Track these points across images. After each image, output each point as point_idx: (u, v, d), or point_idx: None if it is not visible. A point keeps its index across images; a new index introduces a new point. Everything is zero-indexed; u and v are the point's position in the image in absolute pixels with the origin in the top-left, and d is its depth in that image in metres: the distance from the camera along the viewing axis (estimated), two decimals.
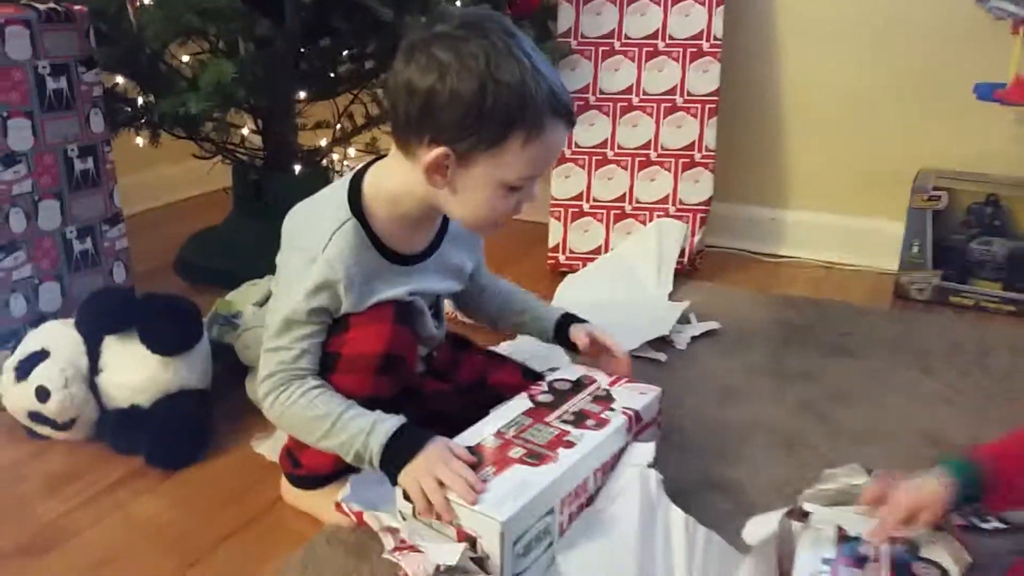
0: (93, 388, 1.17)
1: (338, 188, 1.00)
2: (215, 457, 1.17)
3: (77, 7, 1.36)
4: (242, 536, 1.01)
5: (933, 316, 1.64)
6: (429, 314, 1.09)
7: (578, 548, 0.90)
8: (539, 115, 0.89)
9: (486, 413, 1.03)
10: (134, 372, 1.16)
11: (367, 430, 0.92)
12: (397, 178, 0.97)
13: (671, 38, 1.76)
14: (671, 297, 1.68)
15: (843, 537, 0.84)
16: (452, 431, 0.97)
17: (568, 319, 1.19)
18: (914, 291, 1.71)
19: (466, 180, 0.92)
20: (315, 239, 0.95)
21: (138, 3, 1.42)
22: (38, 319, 1.31)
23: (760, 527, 0.87)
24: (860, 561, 0.80)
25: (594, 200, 1.83)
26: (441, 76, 0.86)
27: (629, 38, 1.78)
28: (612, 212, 1.83)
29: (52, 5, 1.32)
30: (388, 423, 0.93)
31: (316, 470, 1.01)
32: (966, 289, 1.68)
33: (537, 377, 1.16)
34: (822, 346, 1.49)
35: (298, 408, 0.94)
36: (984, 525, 0.96)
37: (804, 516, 0.87)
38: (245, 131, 1.74)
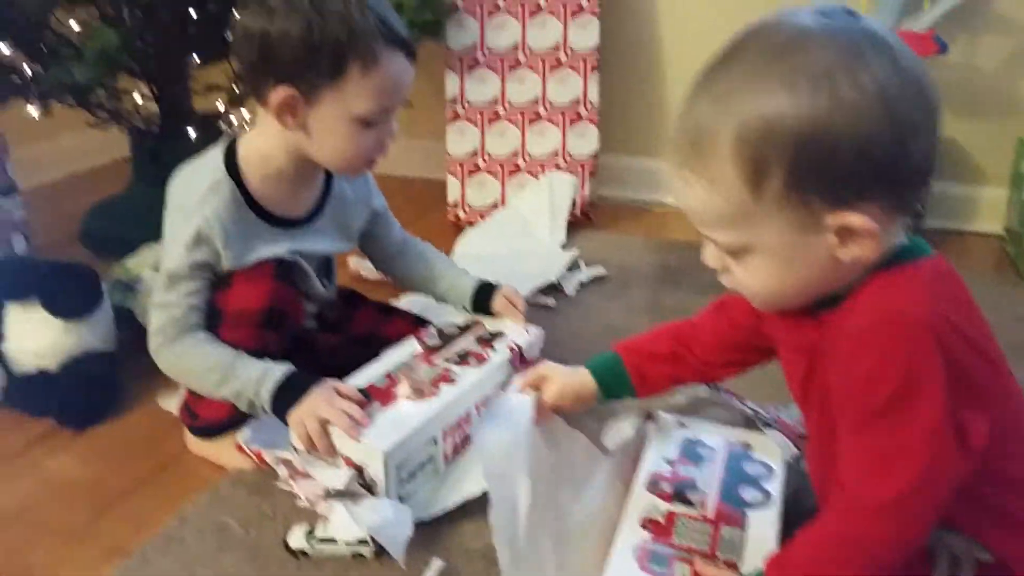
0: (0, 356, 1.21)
1: (215, 151, 1.06)
2: (124, 415, 1.22)
3: None
4: (152, 484, 1.08)
5: None
6: (314, 274, 1.15)
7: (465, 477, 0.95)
8: (370, 43, 0.95)
9: None
10: (38, 338, 1.20)
11: (258, 378, 0.98)
12: (264, 136, 1.04)
13: None
14: (564, 247, 1.78)
15: (686, 441, 0.95)
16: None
17: (485, 289, 1.23)
18: None
19: (318, 119, 0.99)
20: (192, 197, 1.02)
21: None
22: None
23: (618, 431, 0.98)
24: (698, 460, 0.92)
25: (488, 156, 1.91)
26: (270, 18, 0.93)
27: None
28: (506, 167, 1.92)
29: None
30: (278, 370, 1.00)
31: (212, 420, 1.07)
32: None
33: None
34: (696, 285, 1.62)
35: (189, 360, 1.00)
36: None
37: (652, 418, 0.98)
38: (138, 97, 1.75)
